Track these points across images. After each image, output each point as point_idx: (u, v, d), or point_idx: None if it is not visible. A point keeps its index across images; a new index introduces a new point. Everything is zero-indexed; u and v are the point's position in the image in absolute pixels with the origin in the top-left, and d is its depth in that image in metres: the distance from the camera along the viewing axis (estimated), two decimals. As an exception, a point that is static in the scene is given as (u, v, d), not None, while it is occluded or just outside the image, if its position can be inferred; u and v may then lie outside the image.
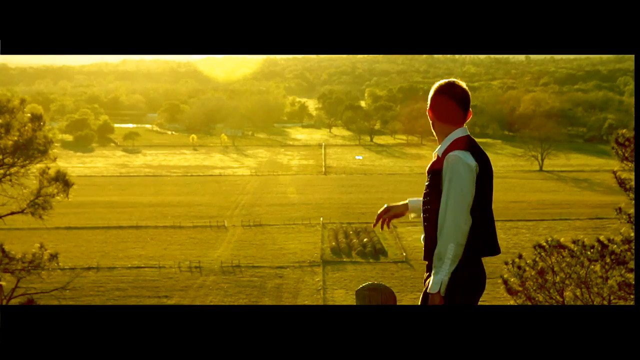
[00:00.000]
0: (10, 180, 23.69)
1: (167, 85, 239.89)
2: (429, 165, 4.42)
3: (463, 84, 4.46)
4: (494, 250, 4.41)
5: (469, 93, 4.47)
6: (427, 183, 4.39)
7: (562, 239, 18.67)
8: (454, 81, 4.46)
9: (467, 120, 4.51)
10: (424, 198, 4.39)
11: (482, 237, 4.26)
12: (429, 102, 4.49)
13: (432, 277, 4.05)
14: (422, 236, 4.42)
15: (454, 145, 4.31)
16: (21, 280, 24.79)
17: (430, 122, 4.52)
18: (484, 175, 4.29)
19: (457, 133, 4.41)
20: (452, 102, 4.42)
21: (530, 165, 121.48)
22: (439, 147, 4.40)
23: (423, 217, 4.37)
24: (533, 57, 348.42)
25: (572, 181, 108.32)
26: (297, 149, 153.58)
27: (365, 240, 68.60)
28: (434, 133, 4.53)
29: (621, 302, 17.21)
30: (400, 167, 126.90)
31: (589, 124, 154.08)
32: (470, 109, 4.53)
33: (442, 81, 4.49)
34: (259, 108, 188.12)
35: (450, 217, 4.11)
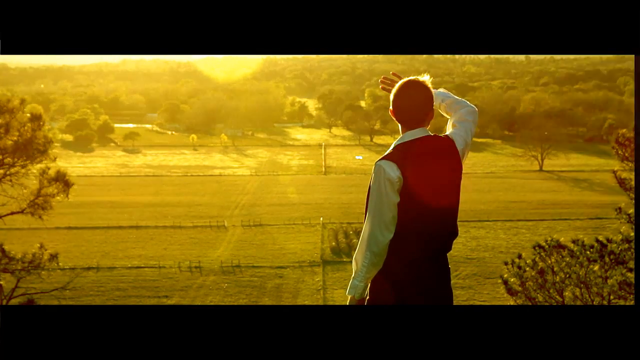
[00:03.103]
0: (10, 180, 23.69)
1: (167, 85, 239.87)
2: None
3: (426, 82, 4.35)
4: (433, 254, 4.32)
5: (431, 92, 4.36)
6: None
7: (562, 239, 18.68)
8: (415, 79, 4.37)
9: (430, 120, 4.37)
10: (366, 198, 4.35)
11: (417, 244, 4.17)
12: (392, 101, 4.43)
13: (350, 281, 4.11)
14: None
15: (390, 152, 4.23)
16: (21, 280, 24.80)
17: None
18: (419, 183, 4.17)
19: (407, 136, 4.29)
20: (407, 103, 4.33)
21: (530, 165, 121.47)
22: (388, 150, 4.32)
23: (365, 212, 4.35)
24: (533, 57, 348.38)
25: (572, 181, 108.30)
26: (297, 149, 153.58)
27: (365, 240, 68.56)
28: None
29: (621, 302, 17.21)
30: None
31: (589, 124, 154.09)
32: (433, 109, 4.38)
33: (405, 79, 4.41)
34: (259, 108, 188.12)
35: (368, 227, 4.13)
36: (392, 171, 4.14)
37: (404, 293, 4.07)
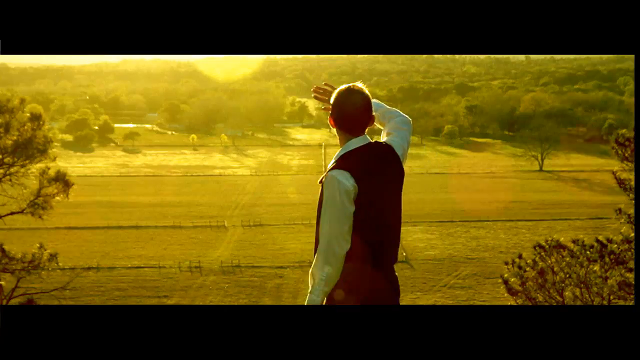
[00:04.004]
0: (10, 180, 23.69)
1: (167, 85, 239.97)
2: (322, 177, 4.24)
3: (364, 89, 4.24)
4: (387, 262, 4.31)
5: (370, 98, 4.27)
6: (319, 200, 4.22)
7: (562, 239, 18.67)
8: (353, 86, 4.25)
9: (369, 127, 4.31)
10: (317, 209, 4.23)
11: (373, 253, 4.15)
12: (331, 108, 4.30)
13: (307, 296, 4.02)
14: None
15: (339, 162, 4.14)
16: (21, 280, 24.79)
17: (334, 129, 4.32)
18: (371, 191, 4.10)
19: (352, 144, 4.22)
20: (350, 110, 4.22)
21: (530, 165, 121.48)
22: (332, 160, 4.23)
23: (317, 225, 4.23)
24: (533, 57, 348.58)
25: (572, 181, 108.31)
26: (297, 149, 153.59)
27: (365, 240, 68.57)
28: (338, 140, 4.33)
29: (621, 302, 17.21)
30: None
31: (589, 124, 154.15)
32: (373, 115, 4.30)
33: (343, 86, 4.29)
34: (259, 108, 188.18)
35: (324, 241, 4.03)
36: (347, 180, 4.05)
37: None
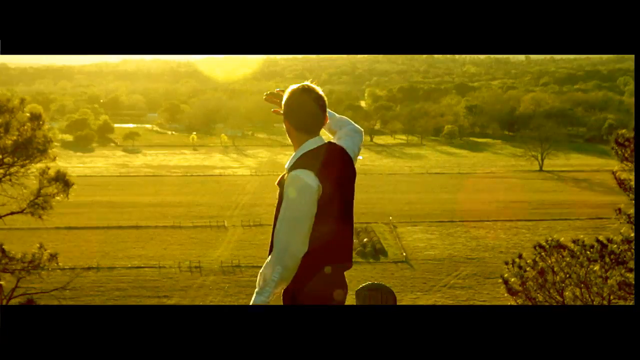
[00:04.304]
0: (10, 180, 23.68)
1: (167, 85, 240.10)
2: (279, 178, 4.18)
3: (318, 89, 4.16)
4: (345, 262, 4.25)
5: (325, 98, 4.19)
6: (277, 203, 4.13)
7: (562, 239, 18.67)
8: (308, 85, 4.17)
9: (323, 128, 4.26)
10: (274, 220, 4.13)
11: (332, 253, 4.10)
12: (284, 109, 4.20)
13: (253, 296, 3.92)
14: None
15: (300, 161, 4.04)
16: (21, 280, 24.79)
17: (286, 129, 4.23)
18: (333, 191, 4.03)
19: (310, 144, 4.12)
20: (307, 109, 4.13)
21: (530, 165, 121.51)
22: (290, 160, 4.13)
23: (273, 230, 4.12)
24: (533, 57, 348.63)
25: (572, 181, 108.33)
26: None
27: (365, 240, 68.61)
28: (291, 141, 4.23)
29: (621, 302, 17.21)
30: (400, 167, 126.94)
31: (589, 124, 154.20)
32: (327, 115, 4.24)
33: (296, 86, 4.20)
34: (259, 108, 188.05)
35: (283, 241, 3.94)
36: (312, 180, 3.97)
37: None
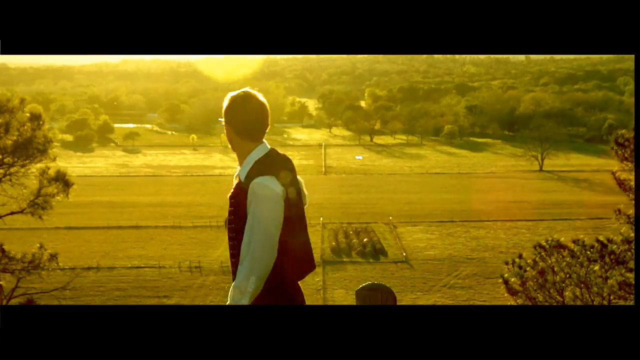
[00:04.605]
0: (10, 180, 23.68)
1: (167, 85, 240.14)
2: (232, 190, 4.11)
3: (260, 95, 4.14)
4: (310, 268, 4.25)
5: (267, 105, 4.18)
6: (231, 209, 4.06)
7: (562, 239, 18.68)
8: (250, 92, 4.13)
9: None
10: (228, 224, 4.08)
11: (296, 261, 4.07)
12: (224, 116, 4.11)
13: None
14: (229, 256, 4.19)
15: (258, 169, 4.00)
16: (21, 280, 24.78)
17: (228, 138, 4.16)
18: (292, 196, 4.03)
19: (259, 151, 4.08)
20: (251, 116, 4.09)
21: (530, 165, 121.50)
22: (241, 168, 4.08)
23: (230, 243, 4.09)
24: (533, 57, 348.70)
25: (572, 181, 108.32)
26: (297, 149, 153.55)
27: (365, 240, 68.61)
28: (233, 150, 4.17)
29: (621, 302, 17.21)
30: (400, 167, 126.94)
31: (589, 124, 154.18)
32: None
33: (237, 92, 4.14)
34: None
35: (256, 251, 3.87)
36: (277, 187, 3.95)
37: None
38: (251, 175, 3.98)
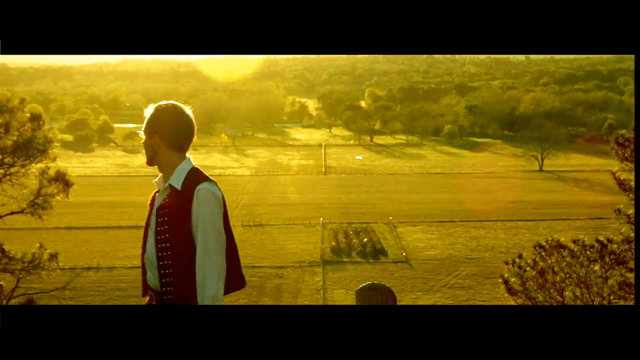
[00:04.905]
0: (10, 180, 23.67)
1: (167, 85, 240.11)
2: (161, 200, 4.05)
3: (188, 109, 4.17)
4: (242, 283, 4.26)
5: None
6: (163, 219, 3.99)
7: (562, 239, 18.67)
8: (180, 105, 4.14)
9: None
10: (160, 234, 3.99)
11: (231, 270, 4.08)
12: (152, 126, 4.10)
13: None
14: (150, 275, 4.10)
15: (196, 177, 4.04)
16: (21, 280, 24.76)
17: (152, 148, 4.13)
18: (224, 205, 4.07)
19: (189, 163, 4.13)
20: (185, 128, 4.12)
21: (530, 165, 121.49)
22: (172, 178, 4.05)
23: (162, 253, 3.99)
24: (533, 57, 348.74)
25: (572, 181, 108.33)
26: (297, 149, 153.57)
27: (365, 240, 68.61)
28: (153, 162, 4.15)
29: (621, 302, 17.21)
30: (400, 167, 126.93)
31: (589, 124, 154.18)
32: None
33: (167, 103, 4.14)
34: (259, 108, 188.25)
35: (217, 256, 3.88)
36: (219, 192, 4.02)
37: None
38: (189, 183, 4.00)
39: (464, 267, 61.05)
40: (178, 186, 4.01)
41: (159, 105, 4.13)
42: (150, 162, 4.19)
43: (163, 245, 3.98)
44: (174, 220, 3.95)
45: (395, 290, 5.34)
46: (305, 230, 75.25)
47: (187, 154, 4.17)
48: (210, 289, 3.86)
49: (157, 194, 4.18)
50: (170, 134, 4.09)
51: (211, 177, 4.11)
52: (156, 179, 4.23)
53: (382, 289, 4.46)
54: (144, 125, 4.17)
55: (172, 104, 4.13)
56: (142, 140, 4.21)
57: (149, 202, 4.20)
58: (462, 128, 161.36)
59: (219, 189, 4.06)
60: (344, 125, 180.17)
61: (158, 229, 3.99)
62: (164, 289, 3.99)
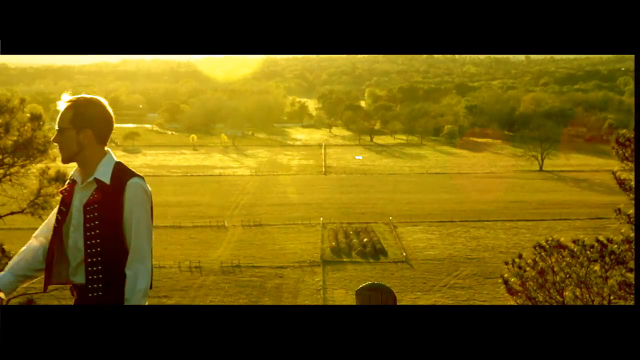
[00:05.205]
0: (10, 180, 23.68)
1: (167, 85, 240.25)
2: (88, 195, 3.95)
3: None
4: None
5: None
6: (93, 214, 3.89)
7: (562, 239, 18.67)
8: (98, 97, 4.03)
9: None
10: (88, 232, 3.89)
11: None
12: (85, 120, 3.93)
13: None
14: (79, 278, 3.98)
15: (124, 171, 3.96)
16: (21, 280, 24.74)
17: (79, 144, 3.99)
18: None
19: (112, 156, 4.03)
20: (111, 121, 4.04)
21: (530, 165, 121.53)
22: (99, 171, 3.96)
23: (91, 250, 3.90)
24: (533, 57, 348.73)
25: (572, 181, 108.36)
26: (297, 149, 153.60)
27: (365, 240, 68.61)
28: (76, 158, 4.04)
29: (621, 302, 17.20)
30: (400, 167, 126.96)
31: (589, 124, 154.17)
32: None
33: (90, 96, 4.01)
34: (259, 108, 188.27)
35: (147, 251, 3.87)
36: (148, 187, 3.96)
37: None
38: (118, 177, 3.93)
39: (464, 267, 61.06)
40: (107, 180, 3.93)
41: (84, 99, 3.98)
42: (71, 159, 4.07)
43: (93, 241, 3.89)
44: (104, 216, 3.88)
45: (395, 290, 5.34)
46: (305, 230, 75.27)
47: (107, 147, 4.06)
48: (141, 284, 3.85)
49: (76, 189, 4.07)
50: (102, 128, 4.00)
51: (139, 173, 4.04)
52: (73, 173, 4.15)
53: (382, 289, 4.46)
54: (67, 120, 3.94)
55: (96, 97, 4.02)
56: (61, 136, 4.01)
57: (58, 195, 4.09)
58: (462, 128, 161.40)
59: (146, 183, 3.98)
60: (344, 125, 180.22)
61: (87, 225, 3.89)
62: (91, 285, 3.94)
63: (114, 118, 4.08)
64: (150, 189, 3.96)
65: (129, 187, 3.88)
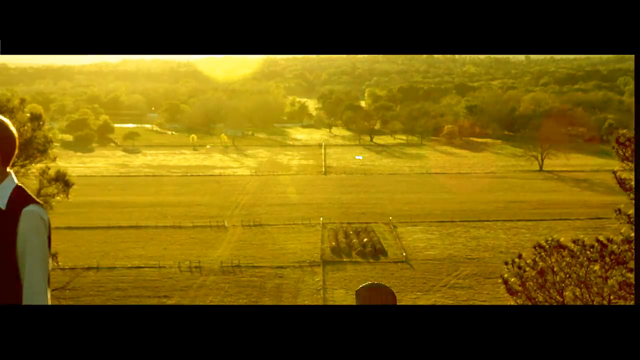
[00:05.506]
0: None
1: (167, 85, 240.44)
2: None
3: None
4: None
5: None
6: None
7: (562, 239, 18.68)
8: (2, 117, 3.80)
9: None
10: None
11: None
12: None
13: None
14: None
15: (22, 196, 3.71)
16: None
17: None
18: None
19: (13, 178, 3.78)
20: (13, 143, 3.78)
21: (530, 165, 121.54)
22: None
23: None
24: (533, 57, 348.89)
25: (572, 181, 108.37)
26: (297, 149, 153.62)
27: (365, 240, 68.63)
28: None
29: (621, 302, 17.21)
30: (400, 167, 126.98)
31: (589, 124, 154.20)
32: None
33: None
34: (259, 108, 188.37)
35: (44, 284, 3.71)
36: (46, 215, 3.76)
37: None
38: (15, 202, 3.70)
39: (464, 267, 61.06)
40: (2, 206, 3.69)
41: None
42: None
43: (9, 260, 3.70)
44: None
45: (395, 290, 5.34)
46: (305, 230, 75.28)
47: (9, 169, 3.82)
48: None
49: None
50: (9, 148, 3.77)
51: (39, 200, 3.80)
52: None
53: (382, 289, 4.46)
54: None
55: (0, 118, 3.79)
56: None
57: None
58: (462, 128, 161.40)
59: (45, 211, 3.79)
60: (344, 125, 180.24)
61: None
62: None
63: (17, 138, 3.83)
64: (48, 217, 3.76)
65: (25, 214, 3.66)
